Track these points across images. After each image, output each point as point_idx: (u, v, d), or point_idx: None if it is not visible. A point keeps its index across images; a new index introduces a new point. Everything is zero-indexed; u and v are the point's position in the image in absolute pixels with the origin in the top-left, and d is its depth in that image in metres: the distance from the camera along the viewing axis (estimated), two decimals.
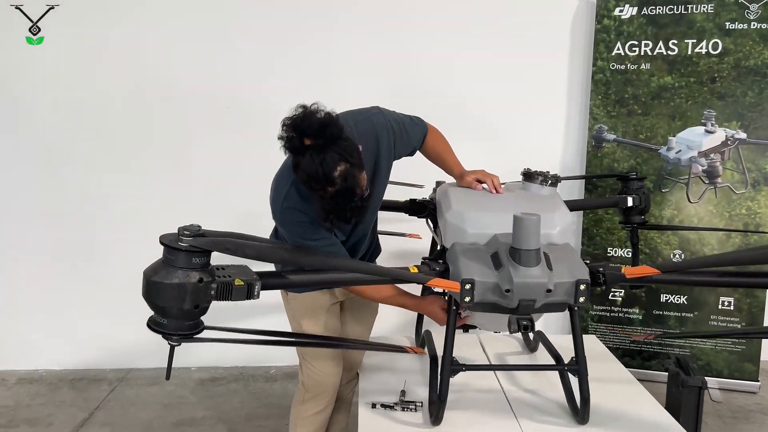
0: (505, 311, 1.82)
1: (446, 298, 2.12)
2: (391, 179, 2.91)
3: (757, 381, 3.27)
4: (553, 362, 2.17)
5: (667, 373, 2.96)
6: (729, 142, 3.17)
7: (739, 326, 3.26)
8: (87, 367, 3.63)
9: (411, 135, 2.09)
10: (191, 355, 2.98)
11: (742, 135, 3.16)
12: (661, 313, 3.35)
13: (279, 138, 1.67)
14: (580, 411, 1.93)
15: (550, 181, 2.10)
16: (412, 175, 2.82)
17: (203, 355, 3.54)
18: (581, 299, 1.76)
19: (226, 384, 3.46)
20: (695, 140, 3.21)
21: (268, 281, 1.59)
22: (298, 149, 1.66)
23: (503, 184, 2.17)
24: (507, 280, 1.72)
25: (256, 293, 1.53)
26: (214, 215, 3.34)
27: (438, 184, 2.41)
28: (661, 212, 3.28)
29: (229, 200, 3.47)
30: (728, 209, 3.22)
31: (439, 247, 2.20)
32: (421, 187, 3.07)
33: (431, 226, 2.38)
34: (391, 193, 2.75)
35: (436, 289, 2.07)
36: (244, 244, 1.44)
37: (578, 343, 1.91)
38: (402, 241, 3.26)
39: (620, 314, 3.43)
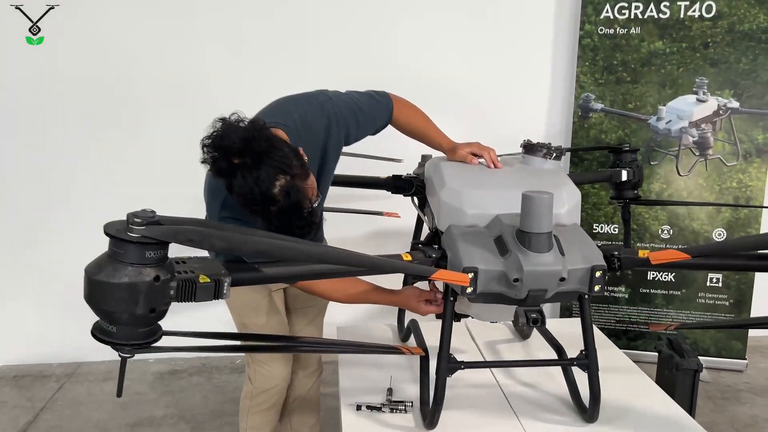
0: (510, 302, 1.61)
1: (431, 285, 1.90)
2: (366, 153, 2.67)
3: (744, 359, 3.18)
4: (551, 351, 1.99)
5: (656, 354, 2.84)
6: (721, 112, 3.01)
7: (727, 303, 3.15)
8: (31, 362, 3.29)
9: (370, 115, 1.85)
10: None
11: (735, 104, 3.00)
12: (647, 291, 3.22)
13: (202, 162, 1.47)
14: (589, 408, 1.75)
15: (554, 154, 1.88)
16: (388, 149, 2.57)
17: (160, 344, 3.25)
18: (596, 288, 1.57)
19: (187, 377, 3.19)
20: (686, 110, 3.04)
21: (239, 276, 1.33)
22: (226, 171, 1.45)
23: (499, 157, 1.94)
24: (515, 269, 1.51)
25: (225, 291, 1.27)
26: (172, 198, 3.02)
27: (424, 158, 2.17)
28: (649, 186, 3.12)
29: (189, 181, 3.15)
30: (719, 182, 3.08)
31: (429, 229, 1.96)
32: (399, 161, 2.83)
33: (417, 204, 2.14)
34: (367, 169, 2.50)
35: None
36: (211, 234, 1.17)
37: (588, 335, 1.71)
38: (378, 220, 3.02)
39: (605, 293, 3.27)
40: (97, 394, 3.01)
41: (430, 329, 2.12)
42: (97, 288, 1.18)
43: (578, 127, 3.17)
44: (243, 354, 3.26)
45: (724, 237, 3.09)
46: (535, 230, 1.50)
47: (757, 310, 3.14)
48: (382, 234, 3.18)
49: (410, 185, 2.05)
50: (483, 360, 2.09)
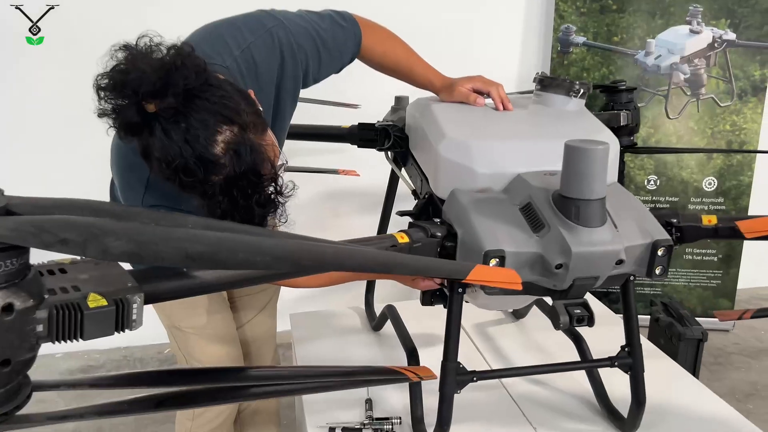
0: (542, 294, 1.19)
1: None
2: (312, 98, 2.16)
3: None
4: (554, 333, 1.60)
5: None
6: (716, 45, 2.66)
7: (715, 258, 2.88)
8: None
9: (334, 48, 1.36)
10: None
11: (731, 35, 2.65)
12: None
13: (100, 115, 0.96)
14: (629, 416, 1.38)
15: (581, 91, 1.44)
16: (336, 90, 2.06)
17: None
18: (658, 270, 1.16)
19: (105, 374, 2.65)
20: (678, 42, 2.67)
21: (157, 288, 0.84)
22: (138, 125, 0.96)
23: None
24: (558, 250, 1.08)
25: (134, 317, 0.78)
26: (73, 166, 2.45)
27: (399, 100, 1.69)
28: None
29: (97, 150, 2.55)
30: (711, 125, 2.75)
31: (415, 195, 1.51)
32: (355, 107, 2.34)
33: (391, 159, 1.66)
34: (307, 116, 1.99)
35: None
36: (104, 229, 0.66)
37: (632, 326, 1.32)
38: (331, 180, 2.53)
39: None
40: None
41: (410, 314, 1.70)
42: None
43: (557, 63, 2.75)
44: (172, 347, 2.77)
45: (715, 186, 2.79)
46: (586, 196, 1.07)
47: (745, 266, 2.89)
48: (336, 196, 2.70)
49: (385, 136, 1.56)
50: (491, 369, 1.66)
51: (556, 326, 1.12)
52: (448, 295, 1.25)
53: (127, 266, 0.82)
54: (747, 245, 2.88)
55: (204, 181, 0.96)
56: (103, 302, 0.75)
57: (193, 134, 0.94)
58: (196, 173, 0.95)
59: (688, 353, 2.34)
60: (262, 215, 1.01)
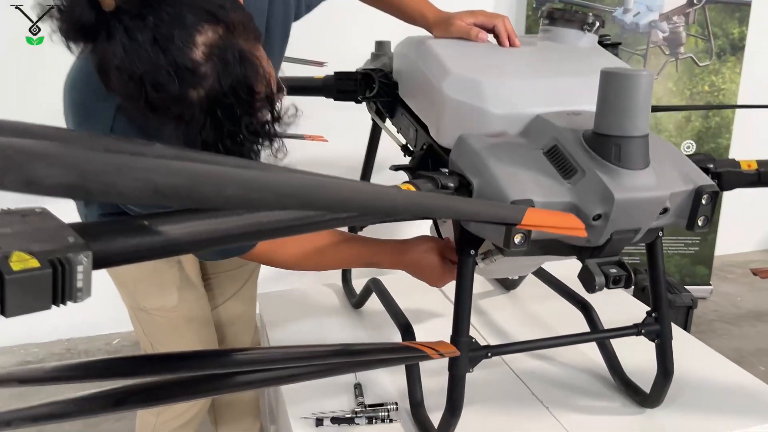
0: (566, 252, 1.02)
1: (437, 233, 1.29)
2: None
3: (710, 285, 2.88)
4: (555, 299, 1.48)
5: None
6: (695, 1, 2.56)
7: None
8: None
9: None
10: None
11: None
12: None
13: (39, 17, 0.84)
14: (653, 389, 1.23)
15: (597, 25, 1.28)
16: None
17: (4, 328, 2.42)
18: (700, 220, 1.01)
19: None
20: None
21: (110, 247, 0.62)
22: (93, 27, 0.73)
23: None
24: (598, 198, 0.91)
25: (79, 285, 0.57)
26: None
27: (380, 45, 1.49)
28: None
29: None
30: (689, 86, 2.66)
31: (406, 149, 1.32)
32: (321, 65, 2.12)
33: (375, 111, 1.47)
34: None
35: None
36: (37, 153, 0.45)
37: (660, 291, 1.17)
38: (296, 146, 2.31)
39: None
40: None
41: (396, 288, 1.52)
42: None
43: (533, 21, 2.60)
44: (121, 330, 2.52)
45: (694, 149, 2.71)
46: (628, 132, 0.90)
47: (723, 230, 2.83)
48: (303, 164, 2.47)
49: (367, 85, 1.36)
50: (505, 343, 1.50)
51: (591, 289, 0.95)
52: (472, 273, 1.07)
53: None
54: (724, 212, 2.82)
55: (180, 98, 0.74)
56: (34, 263, 0.54)
57: (165, 33, 0.72)
58: (169, 87, 0.73)
59: (678, 321, 2.25)
60: (253, 147, 0.80)
